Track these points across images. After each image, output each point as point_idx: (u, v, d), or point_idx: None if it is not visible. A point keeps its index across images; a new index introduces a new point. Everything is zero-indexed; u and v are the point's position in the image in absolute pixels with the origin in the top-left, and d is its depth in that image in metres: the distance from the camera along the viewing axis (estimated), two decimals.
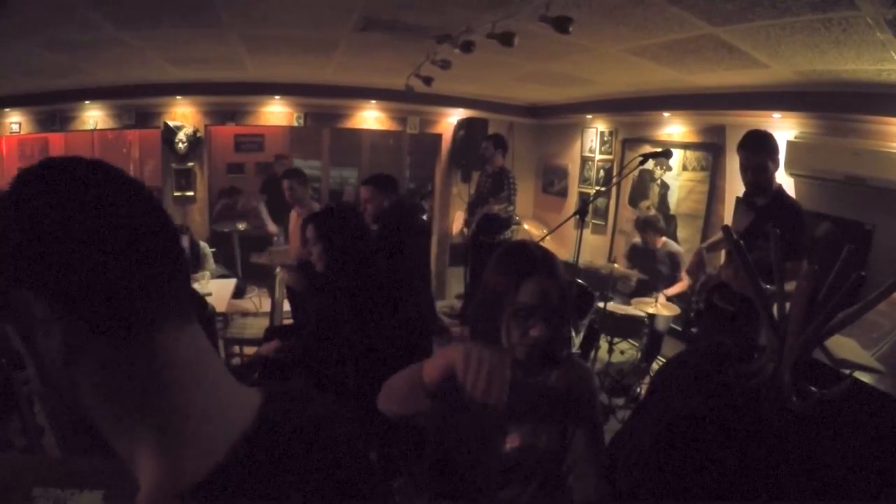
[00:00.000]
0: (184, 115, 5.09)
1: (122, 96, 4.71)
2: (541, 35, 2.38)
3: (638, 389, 3.64)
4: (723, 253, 2.86)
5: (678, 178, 4.33)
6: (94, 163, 0.48)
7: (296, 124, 5.50)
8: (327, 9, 2.47)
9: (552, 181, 5.93)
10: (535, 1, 2.10)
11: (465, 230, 4.90)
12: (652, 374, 3.61)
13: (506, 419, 1.20)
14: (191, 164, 5.17)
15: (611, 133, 5.02)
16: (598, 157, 5.19)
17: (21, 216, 0.43)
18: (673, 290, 3.77)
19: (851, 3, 1.74)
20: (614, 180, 4.80)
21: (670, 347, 3.89)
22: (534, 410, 1.21)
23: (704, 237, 3.96)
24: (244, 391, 0.53)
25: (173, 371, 0.47)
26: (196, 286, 3.56)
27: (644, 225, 4.02)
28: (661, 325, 3.79)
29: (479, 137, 5.19)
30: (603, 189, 4.97)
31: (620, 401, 3.56)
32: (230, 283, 4.07)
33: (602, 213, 5.21)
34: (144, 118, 5.03)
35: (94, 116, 4.98)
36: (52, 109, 4.89)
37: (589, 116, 5.10)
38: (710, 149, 4.03)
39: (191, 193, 5.20)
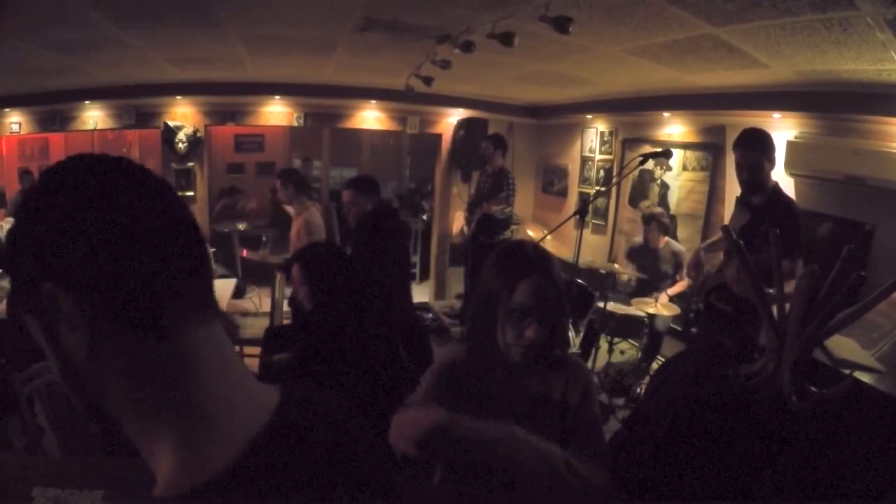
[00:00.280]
0: (184, 116, 5.09)
1: (122, 96, 4.71)
2: (541, 35, 2.38)
3: (638, 389, 3.64)
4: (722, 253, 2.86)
5: (678, 178, 4.32)
6: (121, 160, 0.49)
7: (296, 124, 5.49)
8: (327, 9, 2.47)
9: (552, 181, 5.93)
10: (535, 1, 2.10)
11: (465, 230, 4.90)
12: (652, 374, 3.61)
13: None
14: (191, 164, 5.16)
15: (611, 133, 5.02)
16: (598, 157, 5.19)
17: (51, 210, 0.44)
18: (674, 289, 3.77)
19: (851, 3, 1.73)
20: (614, 180, 4.79)
21: (670, 347, 3.89)
22: (532, 411, 1.20)
23: (704, 237, 3.95)
24: (263, 388, 0.54)
25: (196, 366, 0.48)
26: None
27: (650, 218, 4.00)
28: (661, 325, 3.79)
29: (478, 137, 5.18)
30: (603, 189, 4.96)
31: (620, 401, 3.56)
32: (230, 284, 4.06)
33: (602, 213, 5.21)
34: (144, 118, 5.03)
35: (94, 116, 4.97)
36: (52, 109, 4.88)
37: (589, 116, 5.10)
38: (710, 149, 4.03)
39: (191, 193, 5.19)
